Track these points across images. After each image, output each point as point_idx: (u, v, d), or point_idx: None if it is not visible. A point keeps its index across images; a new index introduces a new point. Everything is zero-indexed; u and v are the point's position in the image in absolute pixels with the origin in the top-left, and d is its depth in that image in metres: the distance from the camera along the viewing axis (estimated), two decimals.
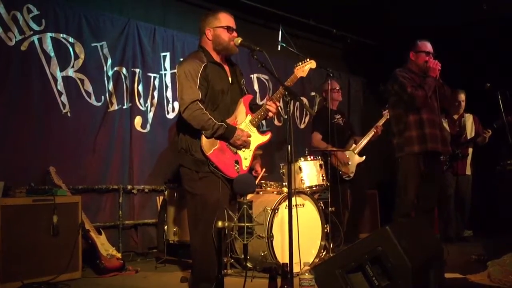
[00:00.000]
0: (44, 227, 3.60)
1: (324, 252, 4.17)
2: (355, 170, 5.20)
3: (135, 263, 4.53)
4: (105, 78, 4.60)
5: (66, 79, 4.34)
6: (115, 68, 4.66)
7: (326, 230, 4.19)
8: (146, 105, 4.88)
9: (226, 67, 3.26)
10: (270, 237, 3.77)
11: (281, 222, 3.86)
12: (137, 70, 4.82)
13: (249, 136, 3.17)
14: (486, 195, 5.81)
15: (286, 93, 2.97)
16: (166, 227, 4.38)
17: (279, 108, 3.34)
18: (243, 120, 3.21)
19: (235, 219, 2.85)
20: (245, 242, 2.88)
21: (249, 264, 3.83)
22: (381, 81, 4.29)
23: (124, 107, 4.71)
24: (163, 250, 4.39)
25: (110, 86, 4.62)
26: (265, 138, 3.30)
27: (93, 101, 4.50)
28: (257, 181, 4.39)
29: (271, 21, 5.83)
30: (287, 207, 3.00)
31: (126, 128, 4.71)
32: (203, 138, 3.02)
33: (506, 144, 5.02)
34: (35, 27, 4.16)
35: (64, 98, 4.31)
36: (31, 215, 3.54)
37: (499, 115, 5.14)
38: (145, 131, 4.85)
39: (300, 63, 3.37)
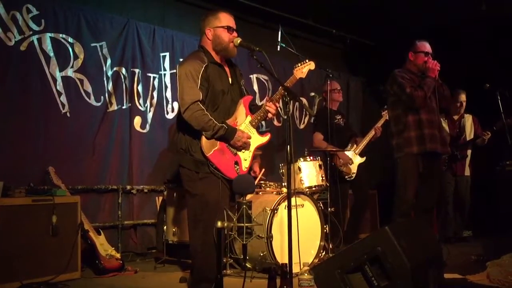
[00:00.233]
0: (43, 227, 3.59)
1: (324, 253, 4.17)
2: (356, 171, 5.21)
3: (134, 263, 4.53)
4: (105, 78, 4.60)
5: (65, 79, 4.34)
6: (115, 68, 4.66)
7: (325, 230, 4.19)
8: (146, 105, 4.88)
9: (226, 68, 3.25)
10: (269, 237, 3.77)
11: (281, 223, 3.86)
12: (137, 70, 4.82)
13: (249, 137, 3.17)
14: (485, 196, 5.81)
15: (286, 93, 2.97)
16: (165, 227, 4.38)
17: (278, 109, 3.34)
18: (243, 121, 3.21)
19: (234, 219, 2.85)
20: (244, 242, 2.88)
21: (248, 265, 3.83)
22: (381, 81, 4.30)
23: (124, 107, 4.71)
24: (162, 250, 4.39)
25: (110, 86, 4.62)
26: (265, 139, 3.30)
27: (92, 101, 4.50)
28: (256, 182, 4.39)
29: (270, 21, 5.83)
30: (286, 208, 3.01)
31: (125, 128, 4.71)
32: (203, 139, 3.01)
33: (506, 146, 5.03)
34: (34, 27, 4.16)
35: (63, 98, 4.31)
36: (30, 215, 3.54)
37: (498, 116, 5.15)
38: (144, 131, 4.85)
39: (299, 64, 3.38)
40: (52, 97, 4.25)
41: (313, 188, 4.31)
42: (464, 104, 5.79)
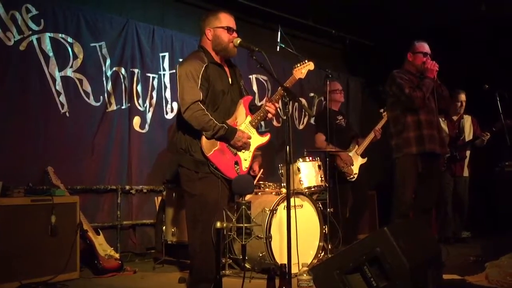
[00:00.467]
0: (42, 227, 3.59)
1: (323, 253, 4.17)
2: (358, 171, 5.21)
3: (133, 263, 4.52)
4: (104, 78, 4.60)
5: (64, 79, 4.33)
6: (114, 68, 4.66)
7: (324, 231, 4.19)
8: (145, 105, 4.87)
9: (226, 68, 3.26)
10: (268, 237, 3.77)
11: (280, 223, 3.86)
12: (136, 70, 4.81)
13: (250, 137, 3.17)
14: (484, 196, 5.82)
15: (285, 94, 2.97)
16: (164, 227, 4.38)
17: (278, 109, 3.34)
18: (243, 121, 3.21)
19: (233, 219, 2.85)
20: (243, 242, 2.88)
21: (247, 265, 3.83)
22: (380, 81, 4.31)
23: (123, 107, 4.71)
24: (161, 250, 4.39)
25: (109, 86, 4.62)
26: (265, 139, 3.30)
27: (91, 101, 4.50)
28: (255, 181, 4.39)
29: (270, 22, 5.83)
30: (285, 208, 3.01)
31: (124, 128, 4.70)
32: (203, 139, 3.01)
33: (505, 147, 5.04)
34: (34, 27, 4.15)
35: (62, 98, 4.31)
36: (29, 215, 3.54)
37: (497, 117, 5.16)
38: (143, 131, 4.85)
39: (298, 65, 3.38)
40: (51, 97, 4.24)
41: (312, 189, 4.31)
42: (464, 104, 5.79)
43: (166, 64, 5.06)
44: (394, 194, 4.14)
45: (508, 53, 5.89)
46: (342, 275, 2.61)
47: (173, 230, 4.31)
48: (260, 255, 3.82)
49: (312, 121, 6.49)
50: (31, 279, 3.45)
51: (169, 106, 5.06)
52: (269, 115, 3.25)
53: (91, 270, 3.92)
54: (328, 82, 4.77)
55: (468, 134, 5.81)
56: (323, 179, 4.39)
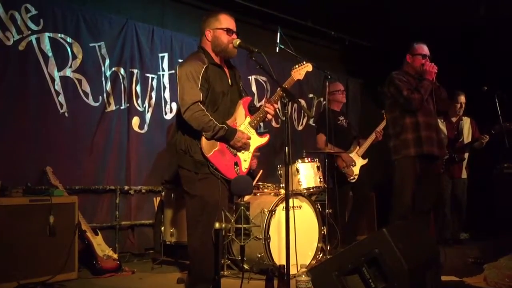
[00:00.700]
0: (41, 227, 3.58)
1: (321, 254, 4.17)
2: (358, 173, 5.21)
3: (132, 264, 4.52)
4: (103, 79, 4.59)
5: (63, 79, 4.33)
6: (113, 69, 4.66)
7: (323, 232, 4.19)
8: (144, 105, 4.87)
9: (226, 69, 3.26)
10: (267, 238, 3.77)
11: (278, 224, 3.86)
12: (135, 71, 4.81)
13: (249, 138, 3.18)
14: (482, 198, 5.82)
15: (284, 94, 2.98)
16: (163, 228, 4.37)
17: (277, 109, 3.34)
18: (242, 122, 3.21)
19: (232, 220, 2.85)
20: (242, 243, 2.88)
21: (246, 266, 3.82)
22: (379, 82, 4.30)
23: (122, 107, 4.71)
24: (160, 251, 4.39)
25: (108, 87, 4.61)
26: (264, 140, 3.31)
27: (90, 101, 4.50)
28: (254, 183, 4.39)
29: (269, 23, 5.84)
30: (284, 209, 3.00)
31: (123, 128, 4.70)
32: (203, 140, 3.01)
33: (504, 148, 5.05)
34: (33, 27, 4.15)
35: (61, 98, 4.31)
36: (28, 215, 3.53)
37: (497, 119, 5.16)
38: (142, 131, 4.85)
39: (296, 66, 3.38)
40: (50, 97, 4.24)
41: (311, 190, 4.31)
42: (464, 106, 5.80)
43: (165, 64, 5.06)
44: (392, 195, 4.14)
45: (507, 55, 5.90)
46: (340, 276, 2.61)
47: (171, 230, 4.31)
48: (259, 256, 3.81)
49: (311, 122, 6.50)
50: (29, 279, 3.45)
51: (168, 106, 5.06)
52: (268, 116, 3.25)
53: (90, 271, 3.92)
54: (327, 84, 4.76)
55: (467, 136, 5.82)
56: (322, 180, 4.39)
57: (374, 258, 2.55)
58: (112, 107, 4.64)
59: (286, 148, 2.81)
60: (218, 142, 3.05)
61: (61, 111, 4.31)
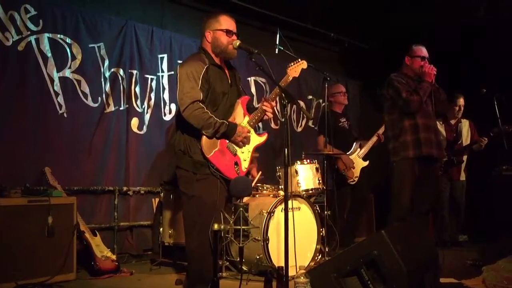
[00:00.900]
0: (39, 228, 3.58)
1: (320, 256, 4.17)
2: (359, 175, 5.21)
3: (130, 265, 4.52)
4: (102, 79, 4.59)
5: (63, 79, 4.33)
6: (112, 69, 4.66)
7: (321, 233, 4.19)
8: (143, 106, 4.87)
9: (226, 70, 3.26)
10: (265, 240, 3.77)
11: (277, 225, 3.86)
12: (134, 72, 4.81)
13: (249, 131, 3.18)
14: (481, 200, 5.82)
15: (283, 95, 2.98)
16: (161, 229, 4.37)
17: (275, 109, 3.34)
18: (241, 121, 3.21)
19: (231, 221, 2.85)
20: (240, 245, 2.88)
21: (244, 267, 3.83)
22: (379, 84, 4.31)
23: (121, 108, 4.71)
24: (158, 252, 4.38)
25: (107, 87, 4.61)
26: (262, 138, 3.30)
27: (89, 102, 4.50)
28: (253, 184, 4.38)
29: (268, 24, 5.84)
30: (283, 210, 3.00)
31: (122, 129, 4.70)
32: (203, 140, 3.00)
33: (502, 151, 5.05)
34: (32, 27, 4.15)
35: (60, 98, 4.30)
36: (26, 216, 3.53)
37: (495, 122, 5.17)
38: (141, 132, 4.85)
39: (292, 64, 3.40)
40: (49, 98, 4.24)
41: (310, 191, 4.31)
42: (462, 108, 5.80)
43: (165, 65, 5.06)
44: (391, 197, 4.14)
45: (506, 57, 5.91)
46: (339, 278, 2.61)
47: (170, 231, 4.31)
48: (257, 257, 3.81)
49: (310, 123, 6.50)
50: (27, 280, 3.44)
51: (167, 107, 5.06)
52: (268, 114, 3.24)
53: (88, 272, 3.91)
54: (329, 85, 4.76)
55: (466, 139, 5.82)
56: (320, 181, 4.39)
57: (372, 260, 2.55)
58: (111, 108, 4.64)
59: (286, 149, 2.81)
60: (218, 142, 3.05)
61: (60, 111, 4.30)
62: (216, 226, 2.76)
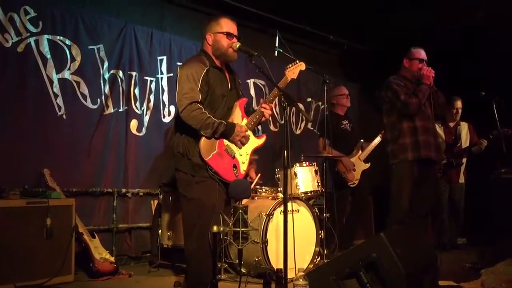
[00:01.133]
0: (38, 230, 3.57)
1: (319, 258, 4.17)
2: (359, 177, 5.21)
3: (129, 267, 4.51)
4: (101, 81, 4.59)
5: (62, 81, 4.33)
6: (112, 71, 4.66)
7: (320, 236, 4.19)
8: (142, 108, 4.87)
9: (226, 73, 3.26)
10: (264, 242, 3.77)
11: (276, 228, 3.86)
12: (134, 74, 4.81)
13: (247, 130, 3.17)
14: (480, 203, 5.83)
15: (282, 97, 2.98)
16: (160, 231, 4.36)
17: (274, 111, 3.34)
18: (239, 123, 3.20)
19: (230, 224, 2.85)
20: (239, 247, 2.88)
21: (243, 270, 3.82)
22: (378, 87, 4.32)
23: (120, 110, 4.71)
24: (157, 254, 4.38)
25: (106, 89, 4.61)
26: (261, 141, 3.30)
27: (89, 103, 4.50)
28: (252, 186, 4.38)
29: (268, 27, 5.85)
30: (282, 213, 3.00)
31: (121, 131, 4.70)
32: (202, 143, 3.00)
33: (501, 153, 5.05)
34: (32, 28, 4.15)
35: (60, 100, 4.30)
36: (25, 218, 3.52)
37: (494, 124, 5.18)
38: (140, 134, 4.84)
39: (290, 65, 3.41)
40: (48, 99, 4.24)
41: (309, 194, 4.31)
42: (460, 111, 5.81)
43: (164, 67, 5.06)
44: (390, 200, 4.14)
45: (505, 60, 5.92)
46: (338, 280, 2.61)
47: (169, 234, 4.30)
48: (256, 259, 3.81)
49: (309, 126, 6.51)
50: (25, 282, 3.43)
51: (166, 109, 5.06)
52: (266, 115, 3.24)
53: (86, 273, 3.91)
54: (325, 88, 4.76)
55: (465, 141, 5.83)
56: (320, 184, 4.39)
57: (371, 262, 2.55)
58: (110, 109, 4.63)
59: (285, 151, 2.81)
60: (217, 145, 3.05)
61: (59, 113, 4.30)
62: (215, 228, 2.76)
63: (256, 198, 4.31)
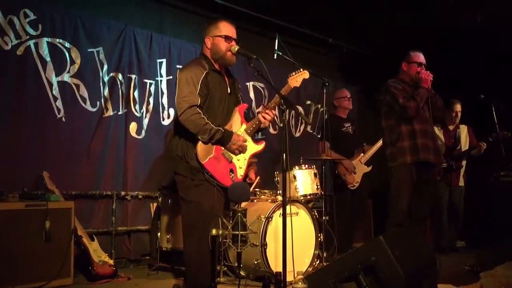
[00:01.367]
0: (37, 233, 3.57)
1: (318, 261, 4.17)
2: (360, 180, 5.21)
3: (128, 270, 4.50)
4: (101, 84, 4.60)
5: (61, 84, 4.33)
6: (111, 74, 4.66)
7: (319, 239, 4.19)
8: (142, 111, 4.87)
9: (226, 77, 3.26)
10: (263, 245, 3.76)
11: (275, 231, 3.86)
12: (133, 76, 4.82)
13: (245, 140, 3.17)
14: (479, 206, 5.83)
15: (282, 101, 2.98)
16: (159, 234, 4.36)
17: (274, 116, 3.34)
18: (238, 129, 3.21)
19: (229, 227, 2.85)
20: (239, 250, 2.88)
21: (242, 273, 3.82)
22: (377, 90, 4.33)
23: (119, 113, 4.71)
24: (156, 257, 4.37)
25: (106, 92, 4.61)
26: (260, 147, 3.31)
27: (88, 106, 4.50)
28: (251, 189, 4.38)
29: (267, 30, 5.86)
30: (281, 216, 3.00)
31: (121, 134, 4.70)
32: (199, 146, 3.01)
33: (500, 157, 5.06)
34: (31, 31, 4.16)
35: (59, 103, 4.31)
36: (24, 220, 3.52)
37: (493, 127, 5.19)
38: (140, 137, 4.85)
39: (293, 73, 3.40)
40: (48, 102, 4.24)
41: (308, 197, 4.31)
42: (459, 114, 5.82)
43: (164, 70, 5.06)
44: (389, 203, 4.14)
45: (504, 64, 5.93)
46: (337, 283, 2.60)
47: (168, 236, 4.30)
48: (255, 262, 3.81)
49: (308, 129, 6.51)
50: (24, 284, 3.43)
51: (165, 112, 5.06)
52: (265, 121, 3.24)
53: (85, 276, 3.90)
54: (324, 90, 4.76)
55: (464, 144, 5.83)
56: (319, 187, 4.39)
57: (371, 265, 2.55)
58: (110, 112, 4.64)
59: (284, 154, 2.81)
60: (214, 149, 3.05)
61: (59, 116, 4.30)
62: (214, 232, 2.76)
63: (255, 201, 4.31)
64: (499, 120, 5.19)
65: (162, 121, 5.04)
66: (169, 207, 4.36)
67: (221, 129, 3.04)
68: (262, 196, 4.37)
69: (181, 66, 4.56)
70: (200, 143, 3.01)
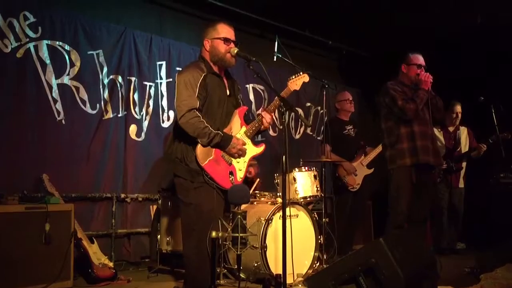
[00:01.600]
0: (36, 235, 3.57)
1: (318, 263, 4.16)
2: (361, 182, 5.20)
3: (127, 272, 4.49)
4: (101, 86, 4.60)
5: (61, 86, 4.34)
6: (111, 76, 4.67)
7: (319, 241, 4.18)
8: (141, 113, 4.88)
9: (225, 79, 3.26)
10: (263, 247, 3.76)
11: (275, 233, 3.85)
12: (133, 79, 4.82)
13: (244, 144, 3.17)
14: (479, 208, 5.83)
15: (282, 104, 2.98)
16: (159, 236, 4.36)
17: (274, 119, 3.34)
18: (237, 131, 3.21)
19: (229, 229, 2.85)
20: (238, 252, 2.88)
21: (242, 275, 3.82)
22: (376, 92, 4.33)
23: (119, 115, 4.71)
24: (156, 259, 4.37)
25: (106, 94, 4.62)
26: (259, 150, 3.31)
27: (88, 109, 4.50)
28: (251, 190, 4.38)
29: (267, 32, 5.87)
30: (281, 218, 3.00)
31: (120, 136, 4.70)
32: (198, 149, 3.01)
33: (500, 158, 5.06)
34: (31, 34, 4.16)
35: (59, 105, 4.31)
36: (23, 223, 3.52)
37: (493, 129, 5.19)
38: (139, 139, 4.85)
39: (293, 77, 3.39)
40: (47, 104, 4.25)
41: (308, 199, 4.30)
42: (459, 115, 5.82)
43: (163, 72, 5.07)
44: (389, 205, 4.14)
45: (504, 64, 5.94)
46: (337, 285, 2.60)
47: (168, 239, 4.29)
48: (255, 265, 3.80)
49: (308, 131, 6.51)
50: (24, 287, 3.43)
51: (165, 114, 5.07)
52: (265, 125, 3.25)
53: (85, 279, 3.90)
54: (324, 93, 4.76)
55: (464, 146, 5.83)
56: (319, 189, 4.38)
57: (370, 268, 2.55)
58: (110, 115, 4.64)
59: (284, 156, 2.81)
60: (213, 151, 3.05)
61: (58, 118, 4.31)
62: (214, 234, 2.76)
63: (255, 203, 4.31)
64: (499, 122, 5.19)
65: (162, 123, 5.04)
66: (169, 210, 4.35)
67: (220, 132, 3.04)
68: (262, 198, 4.37)
69: (180, 69, 4.56)
70: (199, 145, 3.01)
